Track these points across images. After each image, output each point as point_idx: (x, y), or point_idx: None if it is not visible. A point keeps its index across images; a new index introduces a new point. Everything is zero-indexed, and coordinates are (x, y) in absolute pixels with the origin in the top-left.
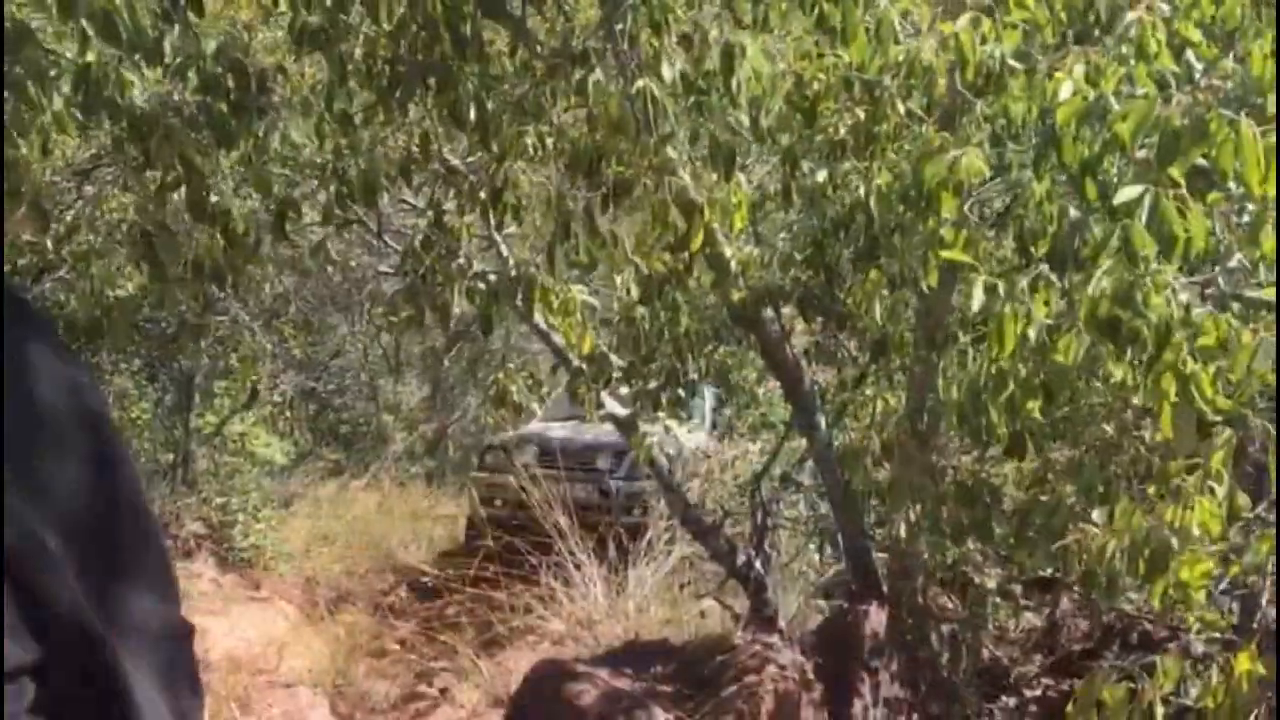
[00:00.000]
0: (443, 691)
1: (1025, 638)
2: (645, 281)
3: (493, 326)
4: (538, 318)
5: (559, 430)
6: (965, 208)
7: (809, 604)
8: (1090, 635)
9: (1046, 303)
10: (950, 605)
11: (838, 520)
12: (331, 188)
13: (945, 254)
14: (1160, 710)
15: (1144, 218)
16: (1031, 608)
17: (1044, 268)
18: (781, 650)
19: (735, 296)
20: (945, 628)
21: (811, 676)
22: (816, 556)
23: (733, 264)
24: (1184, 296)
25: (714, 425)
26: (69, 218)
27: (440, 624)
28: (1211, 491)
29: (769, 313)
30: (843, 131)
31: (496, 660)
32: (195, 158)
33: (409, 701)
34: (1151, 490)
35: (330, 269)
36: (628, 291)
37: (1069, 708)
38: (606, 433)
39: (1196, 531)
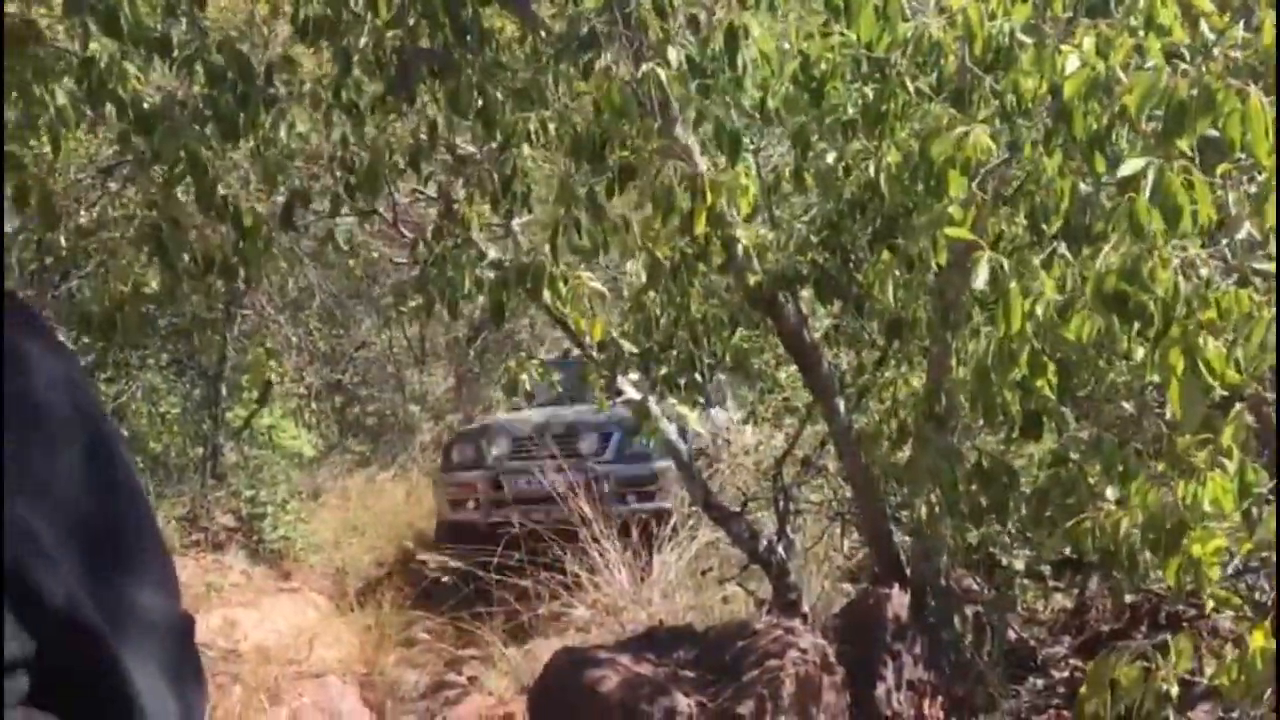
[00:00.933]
0: (471, 680)
1: (1054, 619)
2: (654, 267)
3: (504, 315)
4: (551, 305)
5: (535, 415)
6: (976, 185)
7: (835, 588)
8: (1119, 616)
9: (1060, 280)
10: (975, 587)
11: (859, 504)
12: (339, 178)
13: (950, 232)
14: (1175, 689)
15: (1148, 191)
16: (1061, 589)
17: (1057, 244)
18: (803, 634)
19: (751, 280)
20: (970, 609)
21: (833, 660)
22: (841, 540)
23: (742, 247)
24: (1205, 271)
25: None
26: (94, 214)
27: (468, 613)
28: (1223, 467)
29: (786, 296)
30: (851, 111)
31: (524, 648)
32: (200, 151)
33: (438, 690)
34: (1162, 467)
35: (351, 261)
36: (638, 277)
37: (1082, 688)
38: (589, 412)
39: (1208, 508)
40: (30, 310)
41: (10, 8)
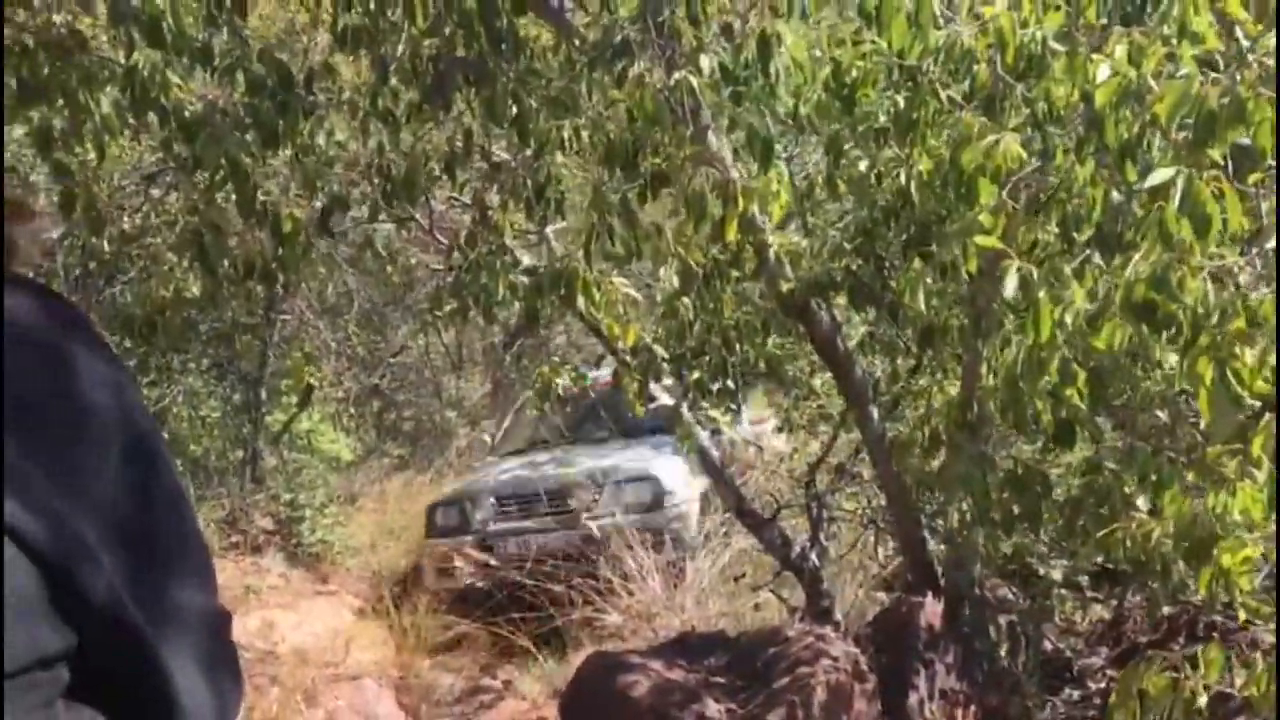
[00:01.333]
0: (506, 684)
1: (1090, 630)
2: (686, 273)
3: (538, 321)
4: (585, 311)
5: (517, 468)
6: (1007, 193)
7: (869, 596)
8: (1156, 627)
9: (1091, 288)
10: (1010, 596)
11: (892, 512)
12: (376, 184)
13: (980, 241)
14: (1203, 699)
15: (1177, 200)
16: (1099, 599)
17: (1089, 252)
18: (835, 642)
19: (784, 287)
20: (1004, 619)
21: (865, 668)
22: (877, 548)
23: (773, 253)
24: (1242, 279)
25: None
26: (136, 220)
27: (502, 618)
28: (1253, 477)
29: (819, 303)
30: (883, 119)
31: (558, 653)
32: (241, 157)
33: (473, 694)
34: (1192, 476)
35: (389, 268)
36: (671, 283)
37: (1112, 698)
38: (572, 457)
39: (1238, 517)
40: (78, 313)
41: (56, 17)
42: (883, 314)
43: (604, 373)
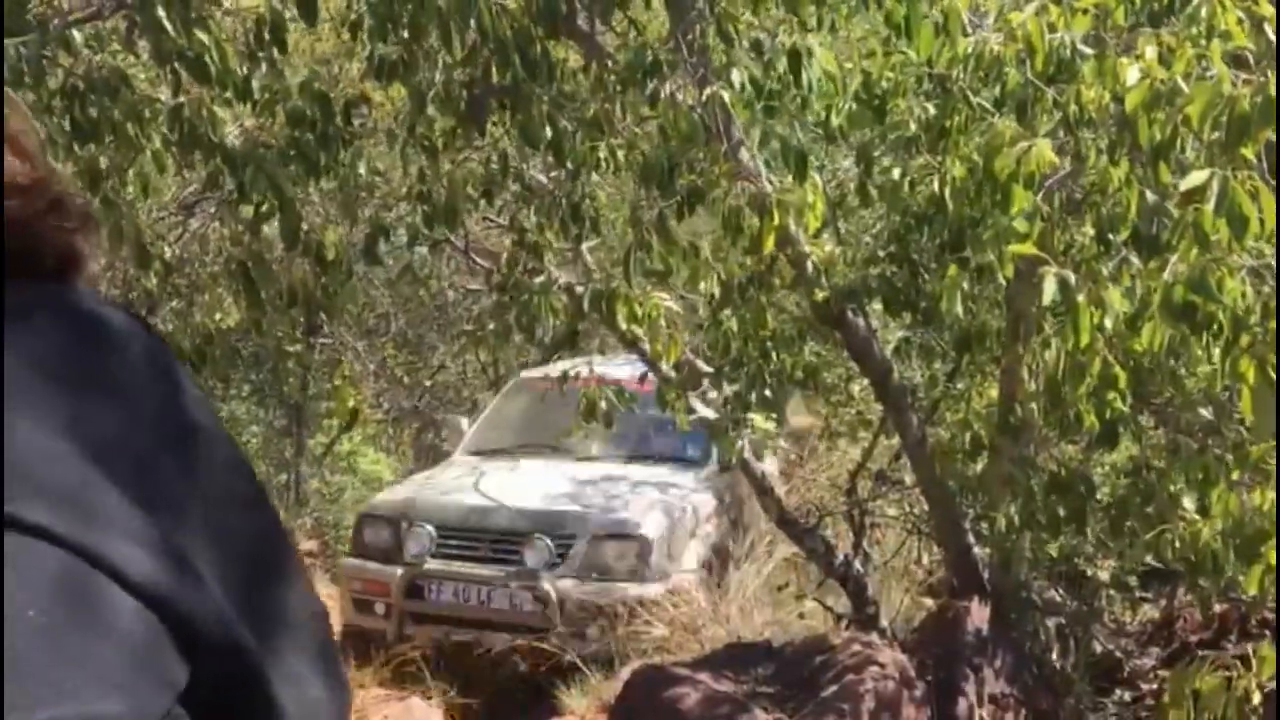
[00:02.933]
0: (554, 699)
1: (1141, 630)
2: (725, 287)
3: (577, 339)
4: (624, 328)
5: (474, 483)
6: (1041, 197)
7: (916, 602)
8: (1207, 626)
9: (1129, 290)
10: (1058, 598)
11: (934, 516)
12: (418, 210)
13: (1015, 249)
14: (1257, 697)
15: (1213, 202)
16: (1149, 599)
17: (1125, 254)
18: (882, 649)
19: (819, 296)
20: (1052, 621)
21: (913, 674)
22: (923, 554)
23: (811, 263)
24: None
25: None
26: (177, 250)
27: (549, 631)
28: None
29: (854, 310)
30: (914, 127)
31: (605, 667)
32: (287, 188)
33: (521, 712)
34: (1235, 474)
35: (424, 291)
36: (711, 298)
37: (1164, 698)
38: (551, 480)
39: None
40: (157, 333)
41: (97, 58)
42: (918, 320)
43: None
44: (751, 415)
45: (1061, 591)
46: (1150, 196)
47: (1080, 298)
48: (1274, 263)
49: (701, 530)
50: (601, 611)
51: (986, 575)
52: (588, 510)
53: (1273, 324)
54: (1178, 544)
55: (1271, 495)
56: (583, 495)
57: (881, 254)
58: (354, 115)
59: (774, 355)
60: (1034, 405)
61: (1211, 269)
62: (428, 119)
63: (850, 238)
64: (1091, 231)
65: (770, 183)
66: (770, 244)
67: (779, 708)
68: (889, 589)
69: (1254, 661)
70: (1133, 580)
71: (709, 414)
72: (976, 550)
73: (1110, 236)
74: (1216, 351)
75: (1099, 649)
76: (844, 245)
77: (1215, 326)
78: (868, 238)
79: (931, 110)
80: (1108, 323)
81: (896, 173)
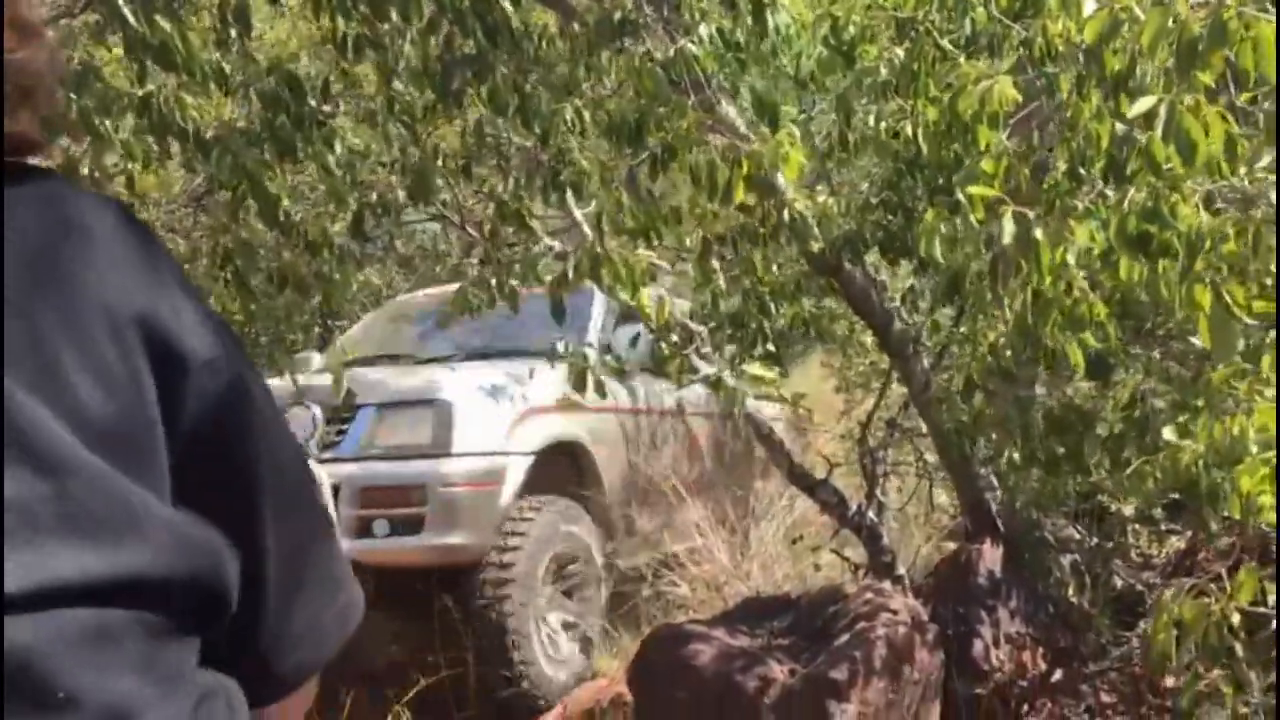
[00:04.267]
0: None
1: (1166, 562)
2: (705, 243)
3: (563, 310)
4: (612, 288)
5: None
6: (1007, 135)
7: (937, 548)
8: (1229, 553)
9: (1104, 223)
10: (1077, 535)
11: (944, 462)
12: (396, 184)
13: (974, 191)
14: (1237, 618)
15: (1161, 128)
16: (1176, 532)
17: (1101, 184)
18: (893, 595)
19: (814, 247)
20: (1068, 559)
21: (925, 619)
22: (931, 500)
23: (798, 213)
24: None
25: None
26: (184, 242)
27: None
28: (1264, 396)
29: (851, 260)
30: (884, 72)
31: (632, 629)
32: (258, 170)
33: None
34: (1201, 401)
35: (438, 267)
36: (697, 259)
37: (1148, 628)
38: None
39: (1255, 437)
40: None
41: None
42: (915, 267)
43: None
44: (747, 367)
45: (1081, 529)
46: (1119, 127)
47: (1038, 234)
48: (1225, 185)
49: (546, 417)
50: (383, 500)
51: (999, 517)
52: (376, 381)
53: (1228, 247)
54: (1159, 474)
55: (1242, 420)
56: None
57: (874, 201)
58: (330, 95)
59: (772, 309)
60: (1010, 344)
61: (1165, 196)
62: (404, 94)
63: (844, 187)
64: (1064, 166)
65: (748, 137)
66: (740, 194)
67: (794, 659)
68: (910, 536)
69: (1229, 586)
70: (1158, 513)
71: (709, 370)
72: (988, 493)
73: (1082, 170)
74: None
75: (1120, 584)
76: (836, 195)
77: (1172, 254)
78: (863, 185)
79: (901, 54)
80: (1070, 258)
81: (872, 120)
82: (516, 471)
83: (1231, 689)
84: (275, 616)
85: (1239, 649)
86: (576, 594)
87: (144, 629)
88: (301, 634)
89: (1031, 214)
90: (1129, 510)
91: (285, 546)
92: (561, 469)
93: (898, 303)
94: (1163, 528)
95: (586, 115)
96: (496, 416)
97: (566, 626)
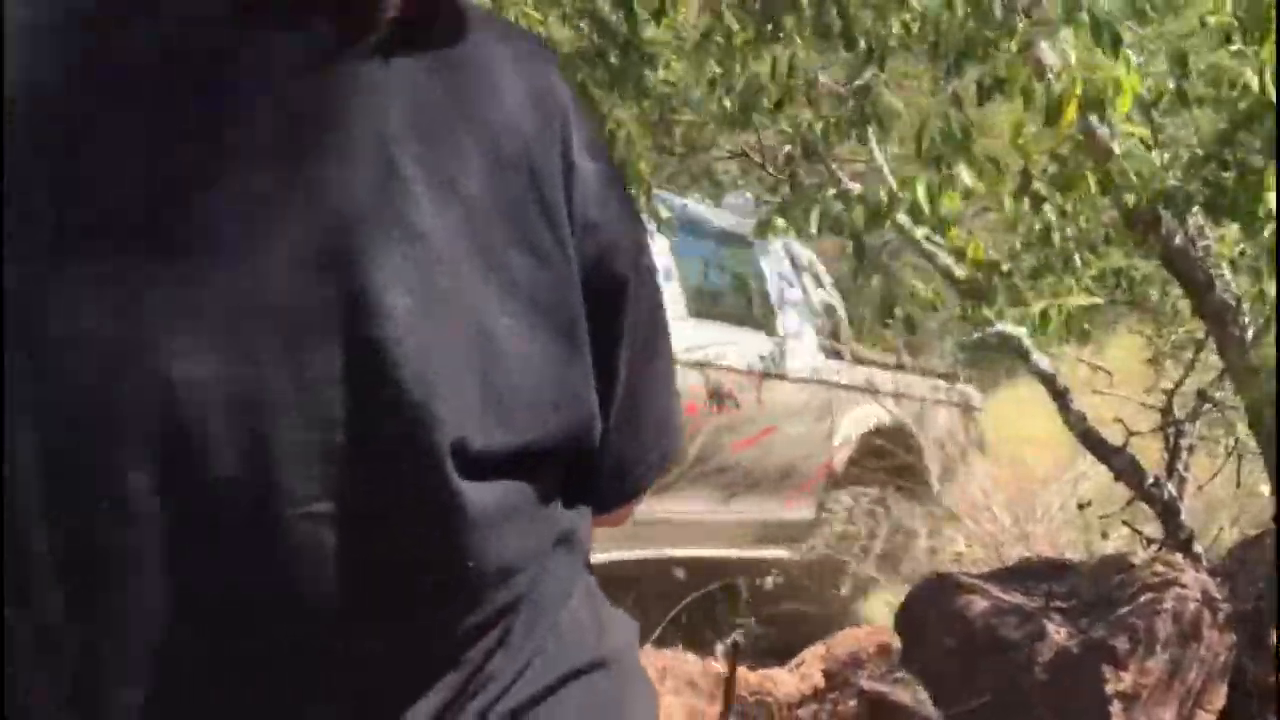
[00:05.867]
0: (846, 608)
1: None
2: (1024, 175)
3: (864, 253)
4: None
5: None
6: None
7: (1243, 531)
8: None
9: None
10: None
11: (1257, 439)
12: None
13: None
14: None
15: None
16: None
17: None
18: (1185, 569)
19: (1129, 200)
20: None
21: (1217, 597)
22: (1250, 478)
23: (1119, 155)
24: None
25: None
26: None
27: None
28: None
29: (1172, 215)
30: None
31: (902, 578)
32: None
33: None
34: None
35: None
36: (1012, 195)
37: None
38: None
39: None
40: None
41: None
42: (1244, 230)
43: None
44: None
45: None
46: None
47: None
48: None
49: None
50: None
51: None
52: None
53: None
54: None
55: None
56: None
57: (1203, 155)
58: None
59: (1079, 260)
60: None
61: None
62: (724, 26)
63: (1168, 140)
64: None
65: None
66: (1070, 115)
67: (1071, 623)
68: (1213, 515)
69: None
70: None
71: (1014, 332)
72: None
73: None
74: None
75: None
76: (1160, 148)
77: None
78: (1193, 138)
79: None
80: None
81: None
82: None
83: None
84: (611, 448)
85: None
86: None
87: (535, 491)
88: (628, 467)
89: None
90: None
91: (634, 382)
92: None
93: (1221, 269)
94: None
95: (914, 29)
96: None
97: None
